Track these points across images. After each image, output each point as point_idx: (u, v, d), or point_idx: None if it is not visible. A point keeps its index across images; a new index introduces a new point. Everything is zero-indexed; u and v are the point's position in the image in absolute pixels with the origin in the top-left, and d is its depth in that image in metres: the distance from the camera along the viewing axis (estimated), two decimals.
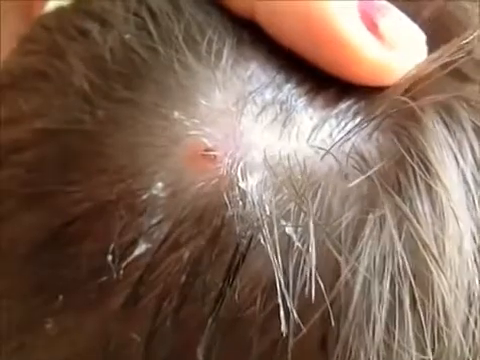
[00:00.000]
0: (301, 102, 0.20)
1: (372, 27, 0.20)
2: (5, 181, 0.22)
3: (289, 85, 0.20)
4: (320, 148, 0.18)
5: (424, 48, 0.21)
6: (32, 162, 0.21)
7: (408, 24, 0.21)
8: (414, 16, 0.21)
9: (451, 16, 0.22)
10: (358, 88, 0.20)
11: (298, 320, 0.17)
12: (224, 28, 0.21)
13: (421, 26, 0.21)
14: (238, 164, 0.18)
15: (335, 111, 0.20)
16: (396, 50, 0.20)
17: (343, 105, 0.20)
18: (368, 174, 0.18)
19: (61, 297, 0.20)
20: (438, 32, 0.21)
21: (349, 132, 0.19)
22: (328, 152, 0.18)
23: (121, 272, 0.19)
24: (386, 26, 0.20)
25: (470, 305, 0.18)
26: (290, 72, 0.20)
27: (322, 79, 0.20)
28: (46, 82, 0.22)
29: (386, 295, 0.17)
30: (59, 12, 0.24)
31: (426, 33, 0.21)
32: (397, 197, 0.18)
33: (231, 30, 0.21)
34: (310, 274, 0.17)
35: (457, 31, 0.21)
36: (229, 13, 0.21)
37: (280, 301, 0.17)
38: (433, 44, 0.21)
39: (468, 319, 0.18)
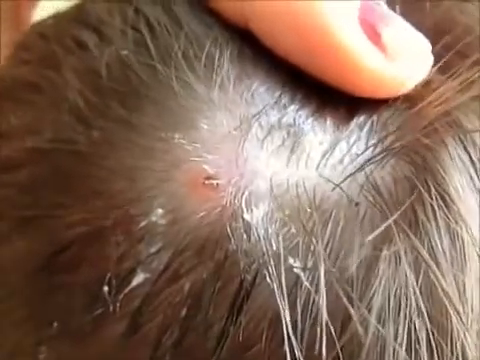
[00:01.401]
0: (309, 124, 0.19)
1: (374, 37, 0.19)
2: None
3: (295, 105, 0.19)
4: (330, 181, 0.17)
5: (429, 59, 0.20)
6: (24, 183, 0.20)
7: (412, 34, 0.20)
8: (418, 24, 0.20)
9: (456, 23, 0.21)
10: (367, 102, 0.19)
11: None
12: (224, 41, 0.20)
13: (426, 34, 0.20)
14: (242, 193, 0.17)
15: (345, 133, 0.18)
16: (400, 61, 0.19)
17: (353, 125, 0.19)
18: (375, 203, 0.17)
19: (56, 324, 0.19)
20: (443, 40, 0.20)
21: (358, 160, 0.17)
22: (339, 186, 0.17)
23: (118, 304, 0.18)
24: (389, 36, 0.19)
25: None
26: (294, 88, 0.19)
27: (328, 93, 0.19)
28: (38, 95, 0.21)
29: (401, 340, 0.16)
30: (56, 19, 0.23)
31: (431, 41, 0.20)
32: (413, 233, 0.17)
33: (231, 43, 0.20)
34: (319, 319, 0.16)
35: (464, 39, 0.20)
36: (226, 22, 0.20)
37: (287, 347, 0.16)
38: (438, 52, 0.20)
39: None
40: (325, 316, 0.16)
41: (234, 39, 0.20)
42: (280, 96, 0.19)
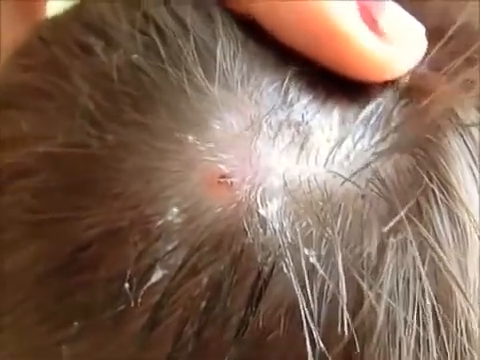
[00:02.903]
0: (316, 120, 0.20)
1: (372, 23, 0.20)
2: (8, 208, 0.21)
3: (302, 100, 0.20)
4: (339, 175, 0.18)
5: (424, 42, 0.21)
6: (38, 187, 0.20)
7: (408, 19, 0.21)
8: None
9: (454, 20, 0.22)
10: (372, 92, 0.20)
11: (324, 350, 0.17)
12: (231, 40, 0.20)
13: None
14: (257, 190, 0.18)
15: (351, 129, 0.19)
16: (396, 44, 0.20)
17: (358, 121, 0.20)
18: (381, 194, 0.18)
19: (76, 323, 0.19)
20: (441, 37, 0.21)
21: (364, 156, 0.18)
22: (349, 180, 0.18)
23: (139, 300, 0.19)
24: (386, 21, 0.20)
25: None
26: (300, 81, 0.20)
27: (333, 84, 0.20)
28: (47, 101, 0.21)
29: (410, 320, 0.17)
30: (55, 22, 0.23)
31: (429, 38, 0.21)
32: (418, 221, 0.18)
33: (237, 41, 0.20)
34: (336, 303, 0.17)
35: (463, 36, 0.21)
36: (231, 14, 0.21)
37: (306, 331, 0.17)
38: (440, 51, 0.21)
39: None
40: (344, 296, 0.17)
41: (239, 36, 0.20)
42: (287, 92, 0.20)
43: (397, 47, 0.20)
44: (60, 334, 0.20)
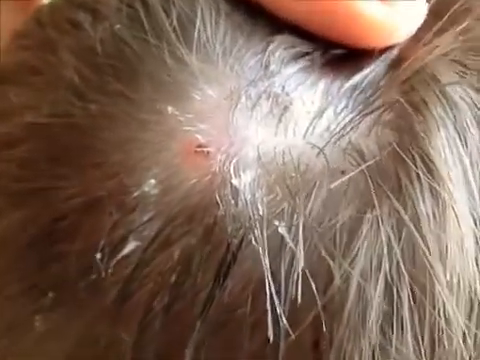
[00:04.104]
0: (298, 92, 0.19)
1: None
2: None
3: (284, 73, 0.19)
4: (315, 146, 0.18)
5: (424, 6, 0.20)
6: (23, 157, 0.21)
7: None
8: None
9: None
10: (356, 65, 0.20)
11: (287, 325, 0.16)
12: (214, 10, 0.20)
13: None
14: (231, 161, 0.18)
15: (334, 100, 0.19)
16: (397, 8, 0.20)
17: (341, 92, 0.19)
18: (360, 169, 0.17)
19: (51, 294, 0.19)
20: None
21: (345, 127, 0.18)
22: (323, 150, 0.17)
23: (110, 270, 0.18)
24: None
25: (471, 306, 0.17)
26: (285, 54, 0.20)
27: (321, 56, 0.20)
28: (37, 76, 0.22)
29: (382, 298, 0.16)
30: (51, 6, 0.24)
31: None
32: (395, 199, 0.17)
33: (222, 11, 0.20)
34: (300, 277, 0.16)
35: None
36: None
37: (268, 305, 0.16)
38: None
39: (469, 320, 0.17)
40: (300, 271, 0.16)
41: (224, 8, 0.20)
42: (269, 64, 0.19)
43: (398, 11, 0.20)
44: (36, 305, 0.20)
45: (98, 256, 0.19)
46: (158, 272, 0.18)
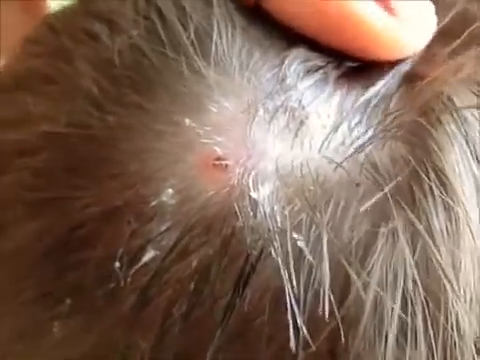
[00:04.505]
0: (313, 106, 0.19)
1: (383, 1, 0.20)
2: (11, 186, 0.21)
3: (300, 87, 0.20)
4: (332, 161, 0.18)
5: (434, 20, 0.21)
6: (39, 167, 0.21)
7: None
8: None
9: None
10: (369, 78, 0.20)
11: (307, 336, 0.16)
12: (230, 23, 0.20)
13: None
14: (250, 174, 0.18)
15: (348, 115, 0.19)
16: (407, 22, 0.20)
17: (355, 107, 0.20)
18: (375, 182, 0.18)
19: (68, 301, 0.20)
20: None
21: (360, 142, 0.18)
22: (341, 165, 0.18)
23: (129, 279, 0.19)
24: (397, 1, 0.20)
25: None
26: (301, 68, 0.20)
27: (335, 69, 0.20)
28: (51, 85, 0.22)
29: (398, 311, 0.17)
30: (65, 13, 0.24)
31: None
32: (410, 211, 0.17)
33: (237, 25, 0.21)
34: (321, 289, 0.16)
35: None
36: (236, 1, 0.21)
37: (290, 316, 0.17)
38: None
39: None
40: (327, 283, 0.16)
41: (239, 21, 0.21)
42: (286, 77, 0.20)
43: (408, 25, 0.20)
44: (54, 311, 0.20)
45: (117, 265, 0.19)
46: (176, 279, 0.18)
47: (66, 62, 0.22)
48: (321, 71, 0.20)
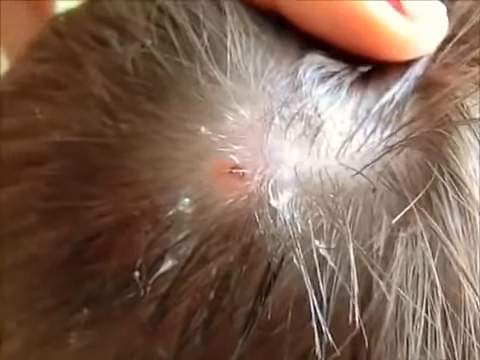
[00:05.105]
0: (328, 113, 0.20)
1: (395, 1, 0.20)
2: (24, 195, 0.21)
3: (315, 94, 0.20)
4: (351, 168, 0.18)
5: (446, 20, 0.21)
6: (53, 175, 0.21)
7: None
8: None
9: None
10: (382, 84, 0.20)
11: (332, 342, 0.17)
12: (243, 31, 0.20)
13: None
14: (268, 182, 0.18)
15: (364, 123, 0.19)
16: (419, 22, 0.20)
17: (371, 114, 0.20)
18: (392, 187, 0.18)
19: (86, 311, 0.20)
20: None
21: (375, 149, 0.19)
22: (360, 173, 0.18)
23: (148, 288, 0.19)
24: (409, 1, 0.20)
25: None
26: (316, 75, 0.20)
27: (348, 76, 0.20)
28: (62, 91, 0.22)
29: (419, 314, 0.17)
30: (71, 17, 0.24)
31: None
32: (428, 215, 0.18)
33: (250, 32, 0.21)
34: (345, 294, 0.17)
35: None
36: (249, 7, 0.21)
37: (314, 323, 0.17)
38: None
39: None
40: (355, 288, 0.17)
41: (252, 28, 0.21)
42: (301, 85, 0.20)
43: (420, 25, 0.20)
44: (71, 321, 0.20)
45: (136, 274, 0.19)
46: (196, 288, 0.18)
47: (75, 68, 0.21)
48: (335, 77, 0.20)
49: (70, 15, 0.24)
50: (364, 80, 0.20)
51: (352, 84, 0.20)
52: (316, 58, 0.20)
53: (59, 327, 0.20)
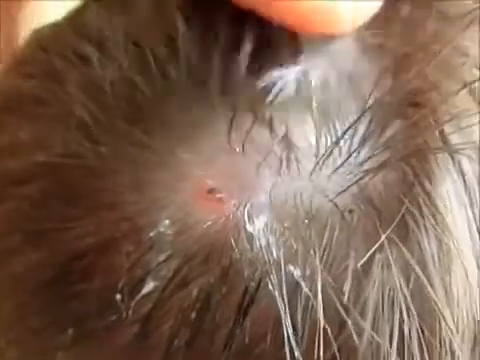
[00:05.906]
0: (303, 135, 0.19)
1: None
2: (9, 215, 0.21)
3: (290, 116, 0.20)
4: (325, 195, 0.18)
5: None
6: (36, 196, 0.21)
7: None
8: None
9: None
10: (363, 106, 0.20)
11: None
12: (217, 54, 0.20)
13: None
14: (245, 206, 0.18)
15: (341, 142, 0.19)
16: None
17: (348, 134, 0.19)
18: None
19: (71, 331, 0.20)
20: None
21: (352, 171, 0.19)
22: (333, 201, 0.18)
23: (130, 310, 0.19)
24: None
25: (475, 342, 0.18)
26: (289, 96, 0.20)
27: (325, 96, 0.20)
28: (44, 108, 0.22)
29: (394, 337, 0.17)
30: (55, 32, 0.24)
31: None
32: (401, 242, 0.18)
33: (225, 53, 0.20)
34: (318, 326, 0.17)
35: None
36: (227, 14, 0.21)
37: (287, 348, 0.17)
38: None
39: (473, 356, 0.18)
40: (322, 322, 0.17)
41: (228, 47, 0.20)
42: (273, 109, 0.19)
43: None
44: (57, 340, 0.20)
45: (118, 296, 0.19)
46: (178, 309, 0.19)
47: (58, 84, 0.21)
48: (309, 97, 0.20)
49: (55, 29, 0.24)
50: (344, 101, 0.20)
51: (330, 103, 0.20)
52: (276, 73, 0.20)
53: (48, 346, 0.21)
